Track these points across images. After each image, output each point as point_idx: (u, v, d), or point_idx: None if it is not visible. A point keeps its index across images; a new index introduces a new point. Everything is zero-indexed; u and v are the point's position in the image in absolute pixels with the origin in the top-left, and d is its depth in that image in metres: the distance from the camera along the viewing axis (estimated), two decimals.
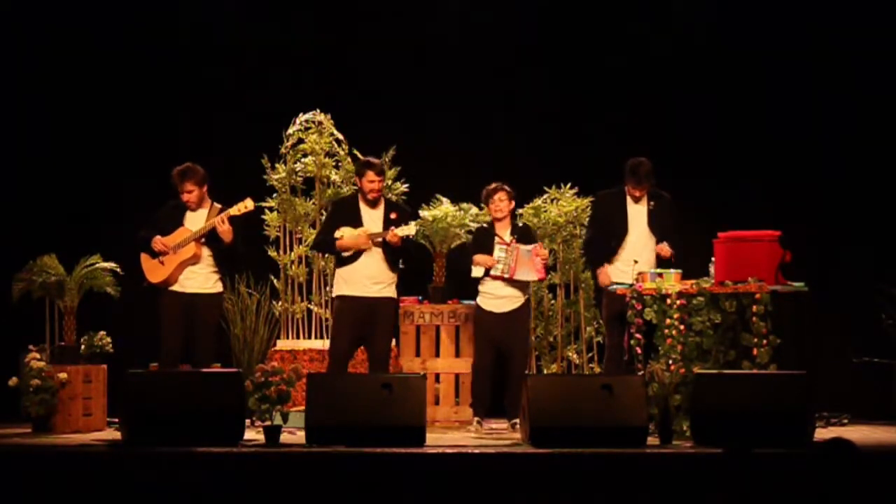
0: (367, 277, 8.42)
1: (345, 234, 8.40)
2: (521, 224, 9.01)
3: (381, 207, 8.54)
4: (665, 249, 8.65)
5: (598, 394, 7.55)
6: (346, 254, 8.43)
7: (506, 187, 8.78)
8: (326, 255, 9.33)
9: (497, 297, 8.72)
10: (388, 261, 8.45)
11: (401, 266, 8.61)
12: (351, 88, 10.42)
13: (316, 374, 8.00)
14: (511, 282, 8.67)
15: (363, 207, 8.51)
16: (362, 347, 8.76)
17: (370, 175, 8.45)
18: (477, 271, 8.74)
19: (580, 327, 9.65)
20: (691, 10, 10.52)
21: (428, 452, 7.19)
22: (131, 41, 10.42)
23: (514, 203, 8.86)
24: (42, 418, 8.56)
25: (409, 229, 8.41)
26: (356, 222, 8.44)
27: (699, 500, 6.50)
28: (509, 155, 10.10)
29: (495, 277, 8.68)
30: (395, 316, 8.78)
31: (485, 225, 9.06)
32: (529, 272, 8.63)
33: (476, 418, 8.73)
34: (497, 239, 8.72)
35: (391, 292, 8.54)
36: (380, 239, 8.38)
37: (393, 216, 8.49)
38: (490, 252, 8.69)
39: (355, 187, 8.85)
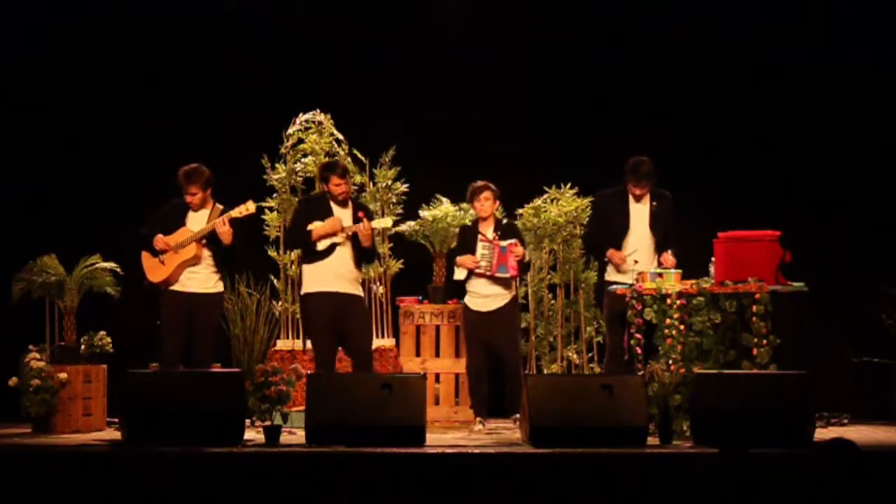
0: (339, 273, 8.38)
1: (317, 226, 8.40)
2: (504, 222, 8.97)
3: (350, 206, 8.53)
4: (669, 260, 8.64)
5: (598, 394, 7.55)
6: (320, 245, 8.38)
7: (491, 186, 8.75)
8: None
9: (482, 296, 8.70)
10: (356, 258, 8.45)
11: (365, 265, 8.66)
12: (351, 88, 10.41)
13: (316, 374, 8.00)
14: (495, 279, 8.66)
15: (333, 206, 8.47)
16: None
17: (334, 179, 8.44)
18: (459, 273, 8.72)
19: (580, 327, 9.65)
20: (691, 9, 10.51)
21: (428, 452, 7.19)
22: (132, 41, 10.41)
23: (498, 202, 8.83)
24: (42, 418, 8.56)
25: (386, 221, 8.40)
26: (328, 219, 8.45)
27: (699, 500, 6.49)
28: (509, 155, 10.09)
29: (479, 275, 8.67)
30: (368, 313, 8.77)
31: (469, 224, 9.05)
32: (505, 268, 8.62)
33: (478, 418, 8.71)
34: (480, 236, 8.71)
35: (359, 290, 8.53)
36: (351, 232, 8.37)
37: (360, 214, 8.46)
38: (474, 249, 8.68)
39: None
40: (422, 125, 10.36)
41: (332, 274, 8.38)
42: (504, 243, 8.62)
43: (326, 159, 9.54)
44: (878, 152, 10.21)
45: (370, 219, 8.47)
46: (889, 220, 10.08)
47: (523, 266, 8.72)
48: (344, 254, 8.40)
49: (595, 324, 9.57)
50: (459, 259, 8.72)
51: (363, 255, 8.51)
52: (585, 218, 9.43)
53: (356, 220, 8.44)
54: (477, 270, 8.65)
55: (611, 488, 6.81)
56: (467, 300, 8.77)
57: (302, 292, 8.52)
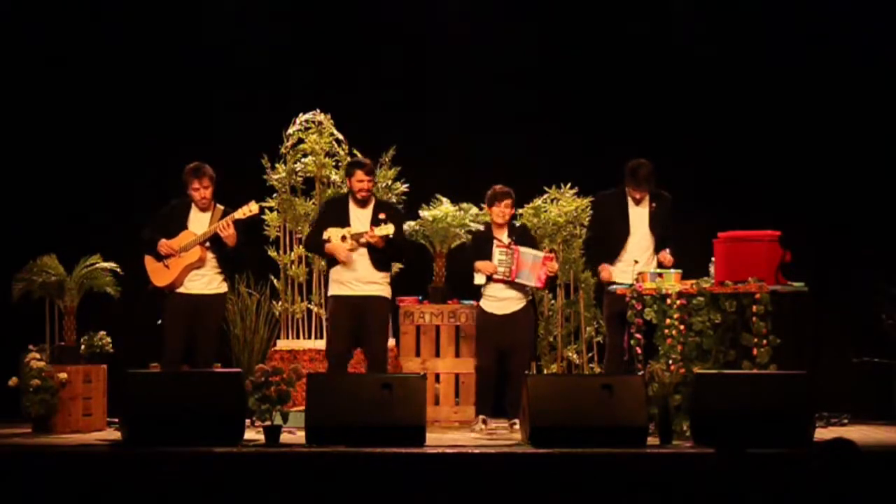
0: (355, 277, 8.44)
1: (331, 236, 8.41)
2: (517, 224, 8.98)
3: (371, 207, 8.54)
4: (668, 258, 8.65)
5: (598, 394, 7.55)
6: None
7: (511, 192, 8.76)
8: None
9: (499, 300, 8.70)
10: (373, 260, 8.45)
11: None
12: (351, 88, 10.41)
13: (316, 374, 8.01)
14: (513, 284, 8.66)
15: (353, 207, 8.52)
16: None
17: (359, 174, 8.47)
18: (479, 278, 8.73)
19: (580, 327, 9.65)
20: (690, 9, 10.51)
21: (428, 452, 7.19)
22: (131, 41, 10.41)
23: (515, 208, 8.86)
24: (42, 418, 8.56)
25: (388, 229, 8.41)
26: (344, 222, 8.44)
27: (699, 500, 6.50)
28: (509, 155, 10.09)
29: (497, 280, 8.67)
30: (387, 314, 8.71)
31: (482, 228, 9.05)
32: (530, 277, 8.59)
33: (481, 416, 8.70)
34: (496, 242, 8.70)
35: (381, 291, 8.52)
36: (363, 239, 8.38)
37: (381, 216, 8.48)
38: (489, 254, 8.68)
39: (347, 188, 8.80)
40: (422, 125, 10.36)
41: (350, 277, 8.46)
42: (539, 254, 8.60)
43: (327, 159, 9.56)
44: (878, 152, 10.21)
45: (393, 219, 8.47)
46: (890, 220, 10.08)
47: (551, 280, 8.74)
48: (359, 257, 8.42)
49: (595, 324, 9.57)
50: (479, 264, 8.70)
51: (384, 256, 8.50)
52: (585, 218, 9.42)
53: (376, 220, 8.45)
54: (496, 276, 8.64)
55: (611, 488, 6.81)
56: (483, 302, 8.76)
57: (328, 294, 8.62)
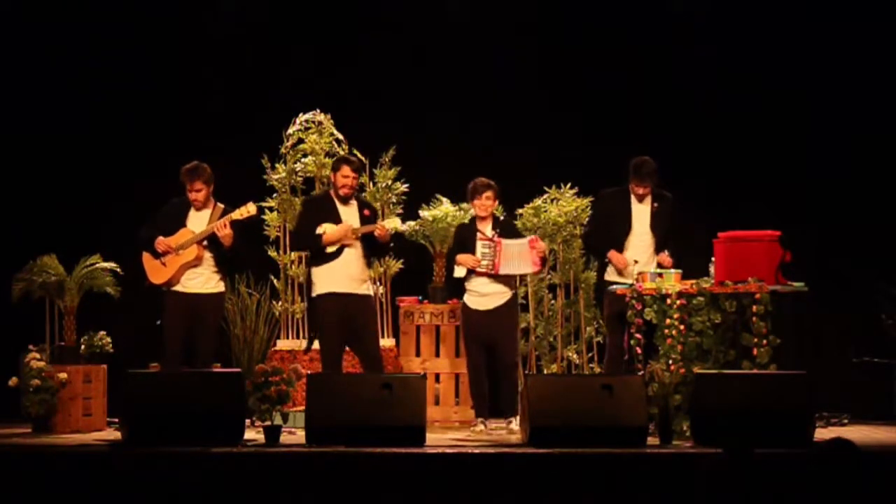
0: (348, 275, 8.39)
1: (326, 230, 8.38)
2: (502, 219, 8.95)
3: (355, 205, 8.53)
4: (666, 259, 8.65)
5: (598, 394, 7.55)
6: (330, 249, 8.38)
7: (493, 185, 8.70)
8: None
9: (482, 295, 8.66)
10: (366, 257, 8.46)
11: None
12: (351, 88, 10.41)
13: (316, 374, 8.00)
14: (497, 277, 8.64)
15: (338, 205, 8.48)
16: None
17: (345, 170, 8.44)
18: (459, 271, 8.69)
19: (580, 327, 9.65)
20: (690, 9, 10.51)
21: (428, 452, 7.19)
22: (131, 40, 10.41)
23: (497, 200, 8.79)
24: (42, 418, 8.56)
25: (396, 221, 8.41)
26: (336, 219, 8.42)
27: (699, 500, 6.49)
28: (509, 155, 10.09)
29: (481, 274, 8.63)
30: (376, 313, 8.72)
31: (465, 222, 9.02)
32: (520, 265, 8.56)
33: (480, 419, 8.69)
34: (479, 235, 8.68)
35: (368, 289, 8.54)
36: (361, 233, 8.36)
37: (367, 213, 8.49)
38: (472, 248, 8.66)
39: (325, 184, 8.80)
40: (422, 125, 10.36)
41: (343, 275, 8.38)
42: (521, 241, 8.58)
43: (326, 159, 9.55)
44: (878, 151, 10.21)
45: (376, 217, 8.48)
46: (889, 220, 10.08)
47: (544, 260, 8.72)
48: (353, 254, 8.40)
49: (595, 324, 9.57)
50: (460, 257, 8.68)
51: (376, 252, 8.53)
52: (585, 218, 9.43)
53: (363, 217, 8.44)
54: (479, 269, 8.62)
55: (611, 488, 6.81)
56: (466, 299, 8.74)
57: (312, 294, 8.49)
